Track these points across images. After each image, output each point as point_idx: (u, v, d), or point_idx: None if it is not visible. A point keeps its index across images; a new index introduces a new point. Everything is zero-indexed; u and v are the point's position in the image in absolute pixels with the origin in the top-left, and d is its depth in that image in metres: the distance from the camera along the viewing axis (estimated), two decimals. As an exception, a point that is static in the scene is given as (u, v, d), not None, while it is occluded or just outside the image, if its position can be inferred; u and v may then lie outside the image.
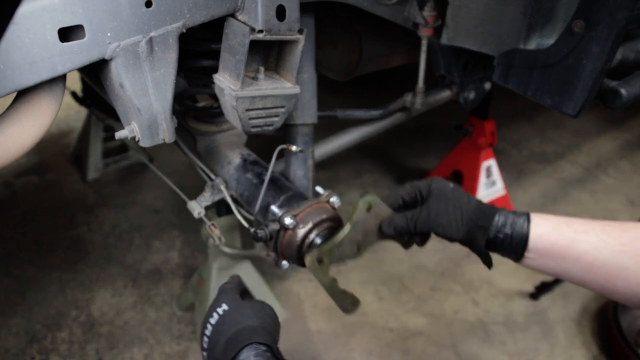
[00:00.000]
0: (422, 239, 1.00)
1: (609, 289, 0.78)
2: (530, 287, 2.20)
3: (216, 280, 1.74)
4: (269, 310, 0.89)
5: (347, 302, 1.06)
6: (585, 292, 2.21)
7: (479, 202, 0.89)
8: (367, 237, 0.99)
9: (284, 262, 1.14)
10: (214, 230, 1.36)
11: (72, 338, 1.90)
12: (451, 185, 0.92)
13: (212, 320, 0.84)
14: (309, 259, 0.98)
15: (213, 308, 0.86)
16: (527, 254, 0.83)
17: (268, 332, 0.82)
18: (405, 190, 0.96)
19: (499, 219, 0.85)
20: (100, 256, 2.27)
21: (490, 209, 0.87)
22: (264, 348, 0.77)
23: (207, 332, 0.84)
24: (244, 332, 0.78)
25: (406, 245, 1.02)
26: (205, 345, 0.83)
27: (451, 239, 0.89)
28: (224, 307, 0.85)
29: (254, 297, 0.98)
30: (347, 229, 0.96)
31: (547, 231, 0.80)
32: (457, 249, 2.51)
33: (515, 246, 0.83)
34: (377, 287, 2.19)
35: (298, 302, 2.07)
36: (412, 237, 0.99)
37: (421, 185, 0.94)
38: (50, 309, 2.01)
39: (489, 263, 0.90)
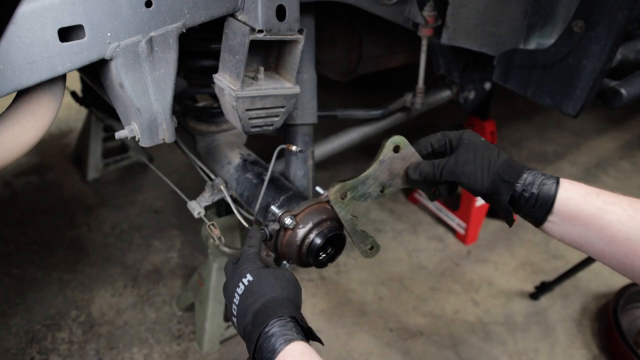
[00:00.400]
0: (448, 190, 0.98)
1: (627, 265, 0.76)
2: (530, 287, 2.20)
3: (216, 280, 1.74)
4: (290, 277, 0.91)
5: (367, 245, 1.04)
6: (585, 292, 2.21)
7: (509, 158, 0.87)
8: (393, 180, 0.98)
9: (284, 262, 1.14)
10: (214, 230, 1.35)
11: (72, 338, 1.90)
12: (482, 138, 0.90)
13: (239, 291, 0.87)
14: (333, 192, 0.97)
15: (239, 277, 0.88)
16: (550, 218, 0.81)
17: (292, 302, 0.84)
18: (435, 138, 0.93)
19: (527, 177, 0.83)
20: (100, 256, 2.27)
21: (519, 166, 0.85)
22: (289, 319, 0.79)
23: (236, 302, 0.86)
24: (270, 306, 0.81)
25: (432, 197, 1.01)
26: (235, 313, 0.87)
27: (475, 191, 0.87)
28: (249, 277, 0.87)
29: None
30: (374, 166, 0.95)
31: (575, 196, 0.79)
32: (457, 249, 2.52)
33: (539, 207, 0.81)
34: (377, 287, 2.19)
35: (298, 302, 2.07)
36: (437, 186, 0.98)
37: (452, 135, 0.92)
38: (50, 309, 2.01)
39: (510, 219, 0.87)
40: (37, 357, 1.83)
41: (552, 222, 0.81)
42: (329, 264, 1.13)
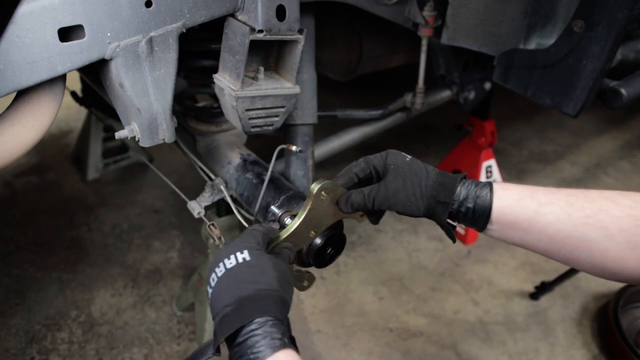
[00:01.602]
0: (377, 217, 0.97)
1: (572, 260, 0.78)
2: (530, 287, 2.20)
3: (216, 280, 1.74)
4: (289, 275, 0.82)
5: (303, 281, 1.05)
6: (585, 292, 2.21)
7: (439, 174, 0.86)
8: (323, 221, 0.97)
9: (284, 262, 1.13)
10: (214, 230, 1.35)
11: (72, 338, 1.90)
12: (407, 158, 0.89)
13: (227, 263, 0.76)
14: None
15: (233, 249, 0.78)
16: (489, 226, 0.81)
17: (285, 303, 0.76)
18: (359, 167, 0.91)
19: (460, 192, 0.82)
20: (100, 256, 2.27)
21: (450, 181, 0.84)
22: (281, 322, 0.72)
23: (218, 271, 0.77)
24: (264, 299, 0.72)
25: (361, 220, 1.01)
26: (212, 283, 0.77)
27: (412, 216, 0.86)
28: (246, 255, 0.77)
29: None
30: (297, 219, 0.94)
31: (510, 204, 0.79)
32: (457, 249, 2.52)
33: (477, 219, 0.81)
34: (377, 287, 2.19)
35: (298, 302, 2.07)
36: (368, 214, 0.97)
37: (375, 161, 0.90)
38: (50, 309, 2.01)
39: (452, 237, 0.87)
40: (37, 357, 1.83)
41: (493, 230, 0.82)
42: (329, 264, 1.13)
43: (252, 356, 0.66)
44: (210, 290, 0.77)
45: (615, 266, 0.74)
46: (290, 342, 0.71)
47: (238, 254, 0.77)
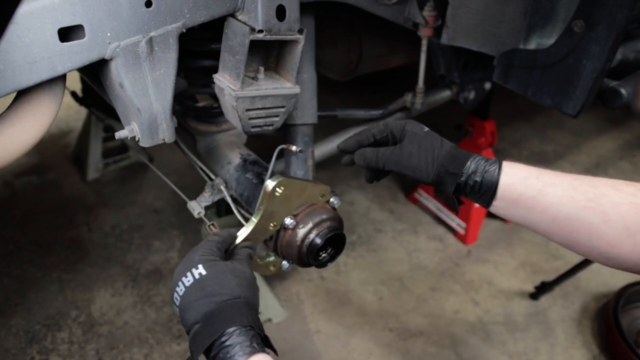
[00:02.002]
0: (376, 177, 0.99)
1: (572, 241, 0.79)
2: (530, 287, 2.20)
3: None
4: (249, 275, 0.85)
5: (269, 267, 1.12)
6: (585, 292, 2.21)
7: (453, 147, 0.88)
8: (281, 213, 1.02)
9: (284, 262, 1.14)
10: (214, 230, 1.35)
11: (72, 338, 1.90)
12: (426, 128, 0.91)
13: (185, 281, 0.79)
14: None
15: (187, 266, 0.81)
16: (495, 202, 0.83)
17: (250, 307, 0.79)
18: (377, 129, 0.94)
19: (470, 165, 0.84)
20: (100, 256, 2.27)
21: (463, 155, 0.86)
22: (249, 328, 0.74)
23: (179, 291, 0.80)
24: (227, 311, 0.75)
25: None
26: (177, 303, 0.80)
27: (420, 182, 0.89)
28: (201, 269, 0.80)
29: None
30: (253, 220, 0.99)
31: (516, 181, 0.81)
32: (457, 249, 2.52)
33: (484, 193, 0.83)
34: (377, 287, 2.19)
35: (298, 302, 2.07)
36: (372, 170, 0.97)
37: (394, 126, 0.92)
38: (50, 309, 2.01)
39: (455, 208, 0.89)
40: (37, 357, 1.83)
41: (498, 206, 0.84)
42: (329, 264, 1.13)
43: None
44: (177, 309, 0.80)
45: (611, 251, 0.75)
46: (262, 343, 0.74)
47: (193, 270, 0.80)
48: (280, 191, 0.99)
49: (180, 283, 0.80)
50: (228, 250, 0.95)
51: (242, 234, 0.98)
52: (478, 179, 0.83)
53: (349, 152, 0.97)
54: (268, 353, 0.74)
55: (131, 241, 2.37)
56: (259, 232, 1.01)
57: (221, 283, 0.78)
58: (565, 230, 0.78)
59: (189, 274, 0.80)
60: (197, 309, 0.76)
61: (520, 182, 0.81)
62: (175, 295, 0.81)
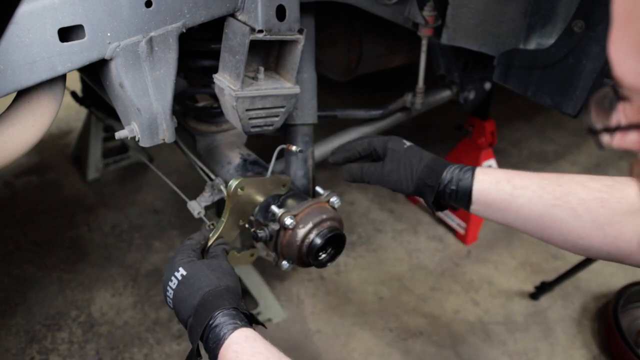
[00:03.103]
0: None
1: (546, 236, 0.86)
2: (530, 287, 2.20)
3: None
4: (226, 266, 0.94)
5: (248, 257, 1.22)
6: (585, 292, 2.21)
7: (431, 160, 0.96)
8: (246, 210, 1.13)
9: (284, 262, 1.14)
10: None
11: (72, 338, 1.90)
12: (406, 145, 1.00)
13: (172, 285, 0.90)
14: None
15: (171, 272, 0.91)
16: (473, 206, 0.91)
17: (231, 292, 0.87)
18: (362, 147, 1.03)
19: (446, 176, 0.92)
20: (100, 256, 2.27)
21: (440, 166, 0.94)
22: (231, 309, 0.83)
23: (169, 295, 0.90)
24: (211, 299, 0.84)
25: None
26: (171, 305, 0.91)
27: (402, 193, 0.98)
28: (182, 271, 0.90)
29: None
30: (221, 221, 1.08)
31: (488, 187, 0.88)
32: (457, 249, 2.52)
33: (460, 200, 0.91)
34: (377, 287, 2.19)
35: (298, 302, 2.07)
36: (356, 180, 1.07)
37: (378, 143, 1.01)
38: (50, 309, 2.01)
39: (433, 214, 0.99)
40: (37, 357, 1.83)
41: (476, 209, 0.92)
42: (329, 264, 1.14)
43: (214, 344, 0.79)
44: (172, 307, 0.91)
45: (583, 243, 0.81)
46: (246, 320, 0.83)
47: (176, 273, 0.90)
48: (241, 191, 1.08)
49: (168, 288, 0.90)
50: (204, 250, 1.05)
51: (214, 233, 1.08)
52: (454, 187, 0.91)
53: (339, 165, 1.08)
54: (254, 328, 0.83)
55: (131, 241, 2.37)
56: (229, 229, 1.10)
57: (200, 278, 0.88)
58: (539, 227, 0.85)
59: (173, 277, 0.90)
60: (187, 304, 0.85)
61: (491, 187, 0.88)
62: (168, 299, 0.91)
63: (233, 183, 1.07)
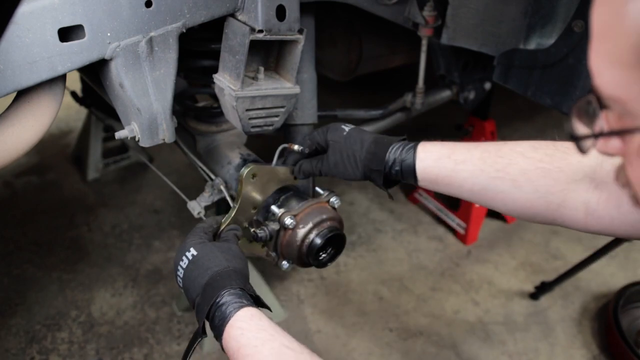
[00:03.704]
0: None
1: (494, 207, 0.88)
2: (530, 287, 2.20)
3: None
4: (236, 250, 0.96)
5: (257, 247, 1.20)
6: (585, 292, 2.21)
7: (372, 143, 0.96)
8: (258, 197, 1.14)
9: (284, 262, 1.14)
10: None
11: (72, 338, 1.90)
12: (345, 131, 0.99)
13: (183, 264, 0.92)
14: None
15: (182, 251, 0.93)
16: (420, 183, 0.92)
17: (239, 274, 0.89)
18: (306, 144, 1.06)
19: (389, 157, 0.93)
20: (100, 256, 2.27)
21: (382, 149, 0.94)
22: (238, 289, 0.84)
23: (180, 274, 0.92)
24: (219, 279, 0.86)
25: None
26: (180, 284, 0.93)
27: (354, 180, 0.99)
28: (193, 251, 0.92)
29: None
30: (234, 206, 1.10)
31: (430, 164, 0.90)
32: (457, 249, 2.52)
33: (406, 178, 0.93)
34: (377, 287, 2.19)
35: (298, 302, 2.07)
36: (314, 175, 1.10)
37: (318, 138, 1.03)
38: (50, 309, 2.01)
39: (389, 196, 1.01)
40: (37, 357, 1.83)
41: (423, 185, 0.93)
42: (329, 264, 1.13)
43: (220, 321, 0.80)
44: (182, 291, 0.93)
45: (528, 212, 0.84)
46: (252, 301, 0.85)
47: (187, 253, 0.92)
48: (254, 177, 1.10)
49: (179, 267, 0.92)
50: (216, 235, 1.07)
51: (226, 219, 1.09)
52: (398, 168, 0.92)
53: (294, 167, 1.10)
54: (260, 310, 0.84)
55: (131, 241, 2.37)
56: (241, 216, 1.11)
57: (210, 258, 0.90)
58: (484, 199, 0.87)
59: (184, 257, 0.92)
60: (196, 284, 0.87)
61: (433, 164, 0.89)
62: (178, 278, 0.93)
63: (245, 169, 1.09)
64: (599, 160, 0.76)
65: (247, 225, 1.14)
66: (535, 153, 0.83)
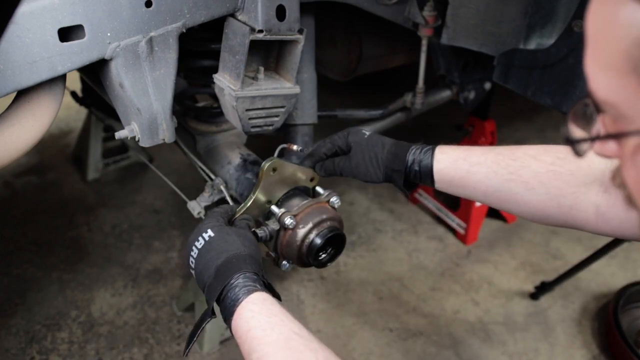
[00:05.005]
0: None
1: (506, 208, 0.91)
2: (530, 287, 2.20)
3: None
4: (251, 238, 0.97)
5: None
6: (585, 292, 2.21)
7: (393, 145, 1.00)
8: (275, 192, 1.14)
9: (284, 262, 1.14)
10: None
11: (72, 338, 1.90)
12: (366, 135, 1.03)
13: (198, 245, 0.92)
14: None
15: (199, 232, 0.94)
16: (437, 184, 0.96)
17: (254, 259, 0.89)
18: (326, 148, 1.08)
19: (409, 159, 0.97)
20: (100, 256, 2.27)
21: (403, 150, 0.98)
22: (252, 274, 0.85)
23: (194, 254, 0.92)
24: (234, 261, 0.86)
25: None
26: (192, 265, 0.93)
27: (375, 183, 1.02)
28: (210, 233, 0.93)
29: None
30: (251, 196, 1.11)
31: (447, 165, 0.93)
32: (457, 249, 2.52)
33: (424, 179, 0.96)
34: (377, 287, 2.19)
35: (298, 303, 2.07)
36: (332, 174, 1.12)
37: (339, 140, 1.06)
38: (50, 309, 2.01)
39: (406, 196, 1.05)
40: (37, 357, 1.83)
41: (440, 187, 0.96)
42: (329, 264, 1.14)
43: (232, 302, 0.81)
44: (193, 272, 0.93)
45: (540, 214, 0.86)
46: (264, 286, 0.85)
47: (204, 234, 0.93)
48: (274, 171, 1.10)
49: (193, 247, 0.93)
50: (230, 221, 1.07)
51: (241, 208, 1.10)
52: (416, 168, 0.96)
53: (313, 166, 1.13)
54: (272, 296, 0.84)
55: (131, 241, 2.37)
56: (255, 207, 1.12)
57: (227, 241, 0.91)
58: (497, 200, 0.90)
59: (200, 238, 0.93)
60: (209, 265, 0.88)
61: (450, 165, 0.92)
62: (191, 259, 0.93)
63: (266, 163, 1.09)
64: (608, 164, 0.77)
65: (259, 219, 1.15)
66: (547, 156, 0.84)
